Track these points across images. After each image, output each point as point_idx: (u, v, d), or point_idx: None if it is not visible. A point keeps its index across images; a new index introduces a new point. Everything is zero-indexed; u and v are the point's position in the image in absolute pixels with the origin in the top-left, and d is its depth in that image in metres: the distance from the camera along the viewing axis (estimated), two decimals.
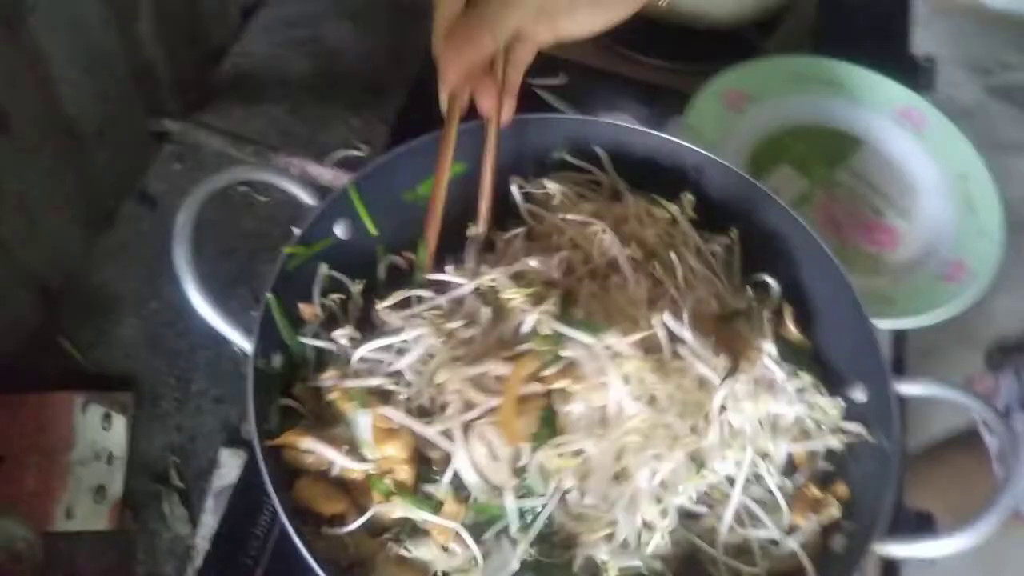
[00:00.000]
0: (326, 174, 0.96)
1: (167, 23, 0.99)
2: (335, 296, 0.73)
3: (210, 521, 0.83)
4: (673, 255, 0.74)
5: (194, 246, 0.67)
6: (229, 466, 0.85)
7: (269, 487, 0.59)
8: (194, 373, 0.92)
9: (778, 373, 0.70)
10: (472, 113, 0.74)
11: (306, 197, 0.72)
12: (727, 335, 0.71)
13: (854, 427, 0.70)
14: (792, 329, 0.75)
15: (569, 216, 0.76)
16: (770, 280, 0.77)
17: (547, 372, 0.63)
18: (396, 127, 1.06)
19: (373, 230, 0.76)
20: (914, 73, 1.10)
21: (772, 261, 0.78)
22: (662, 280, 0.74)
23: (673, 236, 0.78)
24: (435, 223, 0.73)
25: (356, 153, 1.05)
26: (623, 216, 0.78)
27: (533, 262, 0.71)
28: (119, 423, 0.86)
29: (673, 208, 0.78)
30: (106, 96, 0.93)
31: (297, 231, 0.70)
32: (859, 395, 0.71)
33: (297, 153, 0.99)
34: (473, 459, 0.61)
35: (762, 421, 0.69)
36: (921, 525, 0.81)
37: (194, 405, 0.90)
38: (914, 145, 1.00)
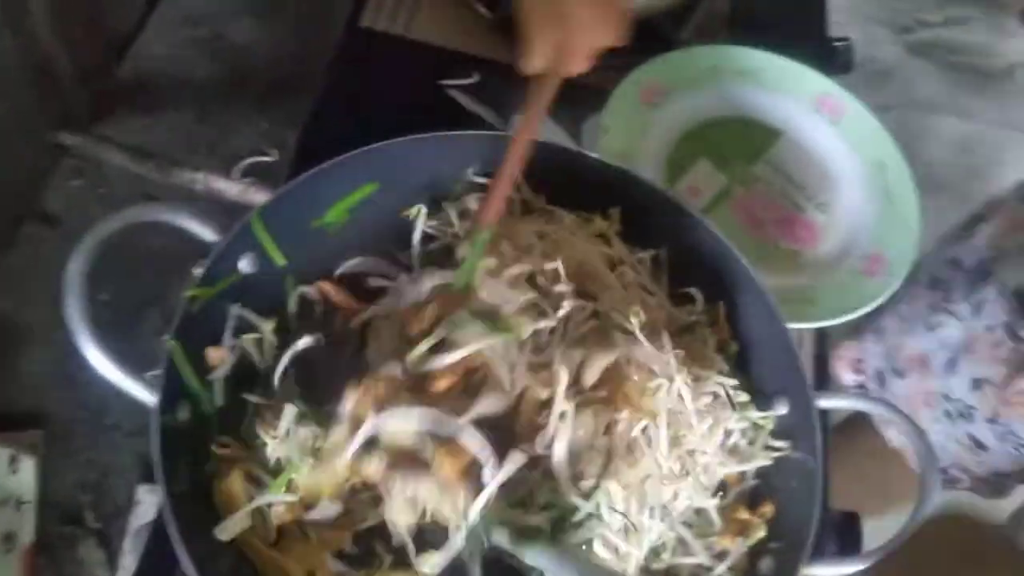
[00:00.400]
0: (233, 188, 0.93)
1: (64, 11, 0.93)
2: (248, 336, 0.70)
3: (129, 563, 0.80)
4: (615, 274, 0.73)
5: (96, 274, 0.63)
6: (147, 503, 0.83)
7: (182, 557, 0.57)
8: (107, 404, 0.88)
9: (728, 385, 0.70)
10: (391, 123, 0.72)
11: (207, 233, 0.68)
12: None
13: (780, 444, 0.70)
14: (727, 335, 0.75)
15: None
16: (695, 293, 0.76)
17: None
18: (307, 129, 1.02)
19: (280, 260, 0.73)
20: (832, 56, 1.09)
21: (693, 273, 0.77)
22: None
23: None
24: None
25: (265, 159, 1.01)
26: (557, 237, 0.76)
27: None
28: (27, 465, 0.82)
29: (602, 224, 0.77)
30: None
31: (198, 271, 0.67)
32: (781, 409, 0.71)
33: (202, 166, 0.95)
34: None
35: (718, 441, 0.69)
36: (847, 526, 0.82)
37: (108, 439, 0.87)
38: (832, 135, 0.99)
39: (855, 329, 1.23)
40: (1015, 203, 1.07)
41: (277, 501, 0.64)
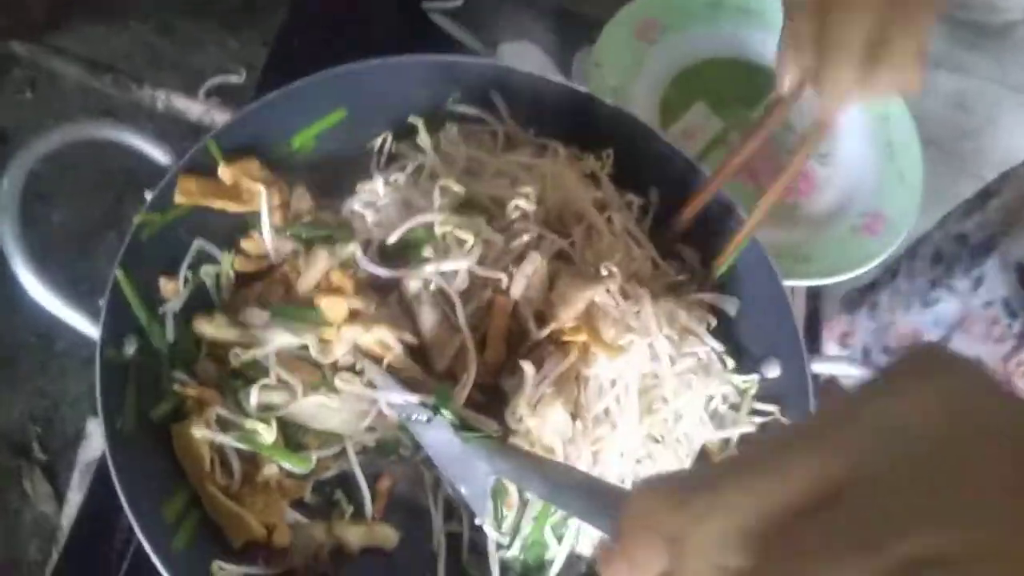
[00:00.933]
0: (195, 108, 0.86)
1: None
2: (207, 268, 0.65)
3: (77, 498, 0.76)
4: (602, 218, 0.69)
5: (49, 194, 0.59)
6: (98, 436, 0.78)
7: (123, 500, 0.53)
8: (58, 331, 0.83)
9: (716, 348, 0.67)
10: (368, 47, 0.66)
11: (160, 156, 0.63)
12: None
13: (768, 407, 0.67)
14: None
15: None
16: (689, 254, 0.72)
17: None
18: (276, 49, 0.95)
19: None
20: None
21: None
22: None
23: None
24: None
25: (232, 79, 0.95)
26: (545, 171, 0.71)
27: None
28: None
29: (594, 163, 0.72)
30: None
31: (149, 195, 0.62)
32: (772, 371, 0.68)
33: (164, 83, 0.89)
34: None
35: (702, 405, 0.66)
36: None
37: (58, 367, 0.82)
38: None
39: (850, 303, 1.20)
40: None
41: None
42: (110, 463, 0.55)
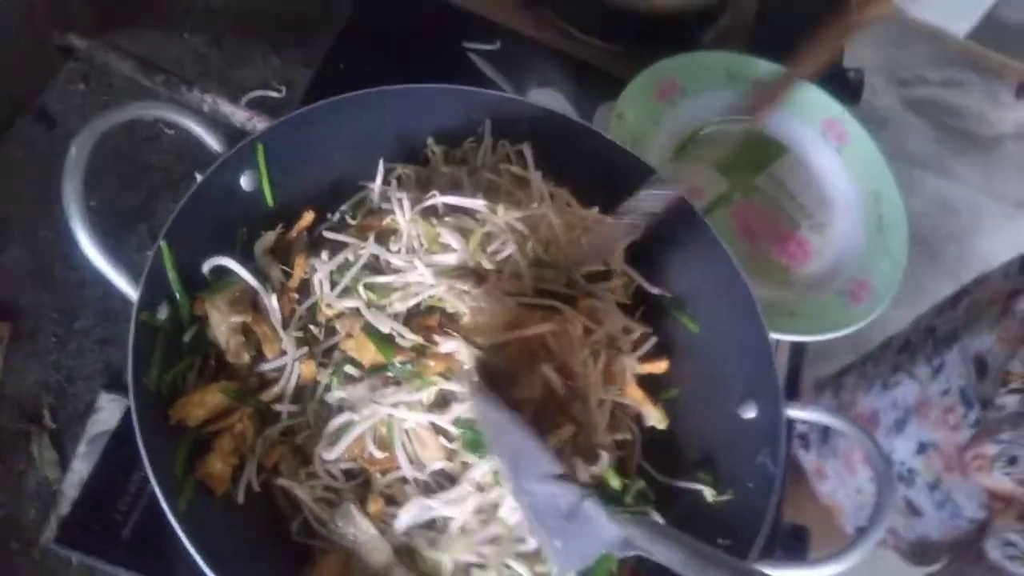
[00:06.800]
0: (239, 114, 0.92)
1: None
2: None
3: (81, 468, 0.79)
4: None
5: (89, 180, 0.62)
6: (108, 411, 0.81)
7: (141, 446, 0.57)
8: (80, 310, 0.87)
9: None
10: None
11: (212, 142, 0.68)
12: None
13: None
14: None
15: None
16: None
17: None
18: (319, 73, 1.02)
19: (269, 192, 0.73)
20: (843, 84, 1.11)
21: (677, 266, 0.78)
22: None
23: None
24: None
25: (273, 94, 1.00)
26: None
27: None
28: None
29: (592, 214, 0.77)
30: None
31: (199, 177, 0.66)
32: (749, 412, 0.72)
33: (211, 89, 0.94)
34: None
35: None
36: (797, 540, 0.83)
37: (76, 344, 0.85)
38: (835, 160, 1.01)
39: (819, 387, 1.25)
40: (999, 278, 1.09)
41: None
42: (134, 415, 0.58)
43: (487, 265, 0.70)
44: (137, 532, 0.73)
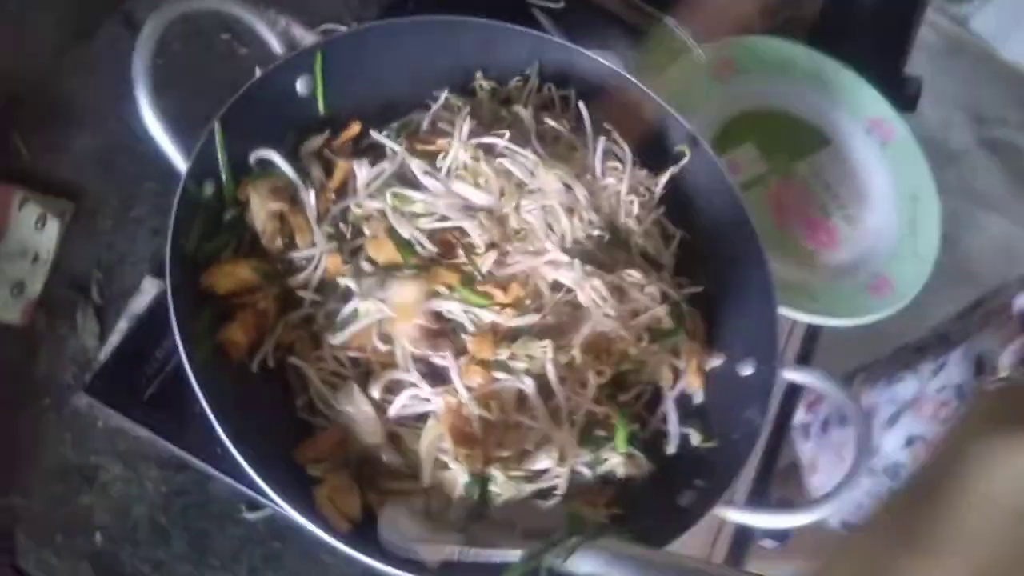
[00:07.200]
0: (309, 38, 0.97)
1: None
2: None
3: (118, 341, 0.85)
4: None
5: (159, 85, 0.67)
6: (150, 294, 0.87)
7: (170, 296, 0.61)
8: (137, 200, 0.93)
9: None
10: None
11: (277, 47, 0.72)
12: None
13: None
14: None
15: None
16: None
17: None
18: (389, 9, 1.06)
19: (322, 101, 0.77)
20: (901, 91, 1.12)
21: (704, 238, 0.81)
22: None
23: None
24: None
25: (343, 28, 1.05)
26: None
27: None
28: (53, 227, 0.87)
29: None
30: None
31: (259, 71, 0.71)
32: (746, 369, 0.74)
33: (287, 12, 0.99)
34: None
35: None
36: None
37: (130, 230, 0.91)
38: (877, 156, 1.02)
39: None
40: (1016, 288, 1.09)
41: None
42: (167, 266, 0.62)
43: (514, 224, 0.72)
44: (157, 395, 0.78)
